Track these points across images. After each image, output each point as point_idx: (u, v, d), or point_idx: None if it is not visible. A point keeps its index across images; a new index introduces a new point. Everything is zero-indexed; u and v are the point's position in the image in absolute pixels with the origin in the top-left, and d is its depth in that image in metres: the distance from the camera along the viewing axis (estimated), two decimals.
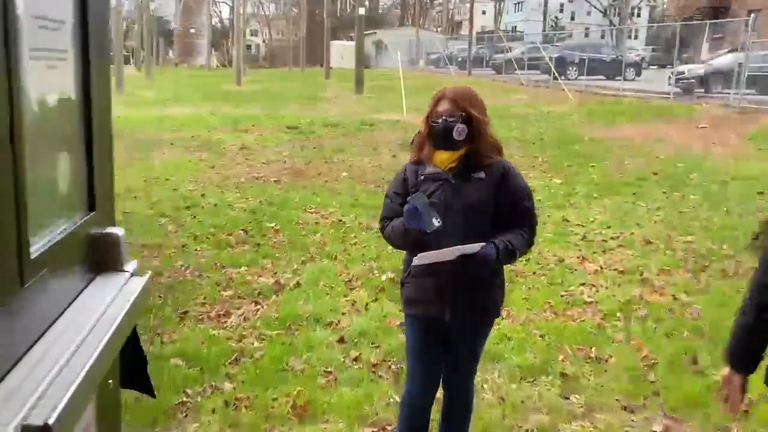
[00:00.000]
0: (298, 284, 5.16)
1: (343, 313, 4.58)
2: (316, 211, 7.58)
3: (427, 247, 2.33)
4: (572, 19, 70.07)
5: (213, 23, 67.79)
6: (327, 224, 7.02)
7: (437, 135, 2.42)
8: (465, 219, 2.39)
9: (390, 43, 53.57)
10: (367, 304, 4.73)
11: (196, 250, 6.08)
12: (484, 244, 2.33)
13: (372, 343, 4.10)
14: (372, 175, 9.76)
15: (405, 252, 2.60)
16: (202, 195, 8.24)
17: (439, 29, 70.61)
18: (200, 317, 4.54)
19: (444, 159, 2.45)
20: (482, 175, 2.42)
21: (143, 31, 39.81)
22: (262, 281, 5.24)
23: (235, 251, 6.04)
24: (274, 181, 9.27)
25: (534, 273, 5.49)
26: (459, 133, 2.38)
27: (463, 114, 2.40)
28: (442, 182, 2.42)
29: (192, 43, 59.20)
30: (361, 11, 25.83)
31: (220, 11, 79.99)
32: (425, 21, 79.35)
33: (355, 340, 4.14)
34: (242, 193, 8.44)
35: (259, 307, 4.75)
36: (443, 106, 2.43)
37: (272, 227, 6.81)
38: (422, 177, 2.45)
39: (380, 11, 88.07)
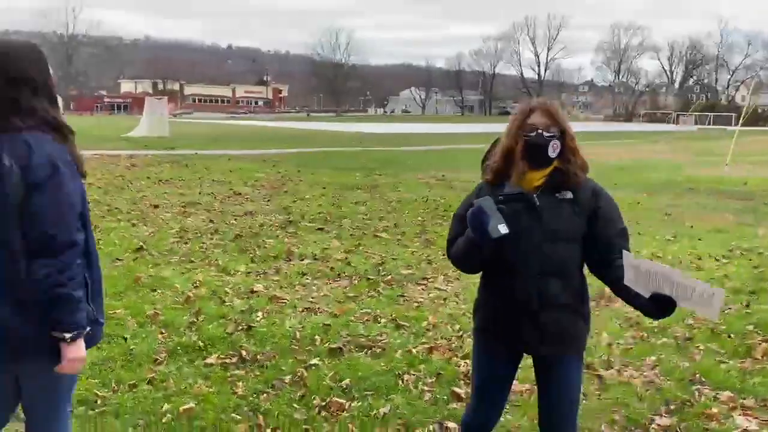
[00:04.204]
0: None
1: None
2: None
3: (496, 264, 2.20)
4: None
5: None
6: None
7: (530, 150, 2.14)
8: (552, 243, 2.15)
9: None
10: None
11: None
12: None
13: None
14: None
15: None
16: None
17: None
18: None
19: (528, 177, 2.18)
20: (569, 195, 2.18)
21: None
22: None
23: None
24: None
25: None
26: (554, 150, 2.14)
27: (558, 128, 2.17)
28: (525, 203, 2.15)
29: None
30: None
31: None
32: None
33: None
34: None
35: None
36: (537, 119, 2.17)
37: None
38: (501, 197, 2.13)
39: None
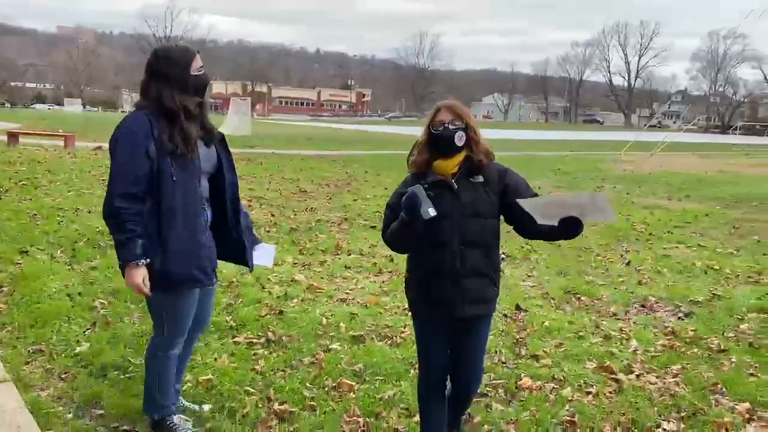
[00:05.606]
0: None
1: None
2: None
3: (427, 242, 2.55)
4: None
5: None
6: None
7: (438, 141, 2.57)
8: (471, 219, 2.56)
9: None
10: None
11: None
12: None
13: None
14: None
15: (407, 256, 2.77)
16: None
17: None
18: None
19: (444, 166, 2.59)
20: (481, 179, 2.59)
21: None
22: None
23: None
24: None
25: None
26: (460, 139, 2.56)
27: (462, 122, 2.58)
28: (446, 188, 2.55)
29: None
30: None
31: None
32: None
33: None
34: None
35: None
36: (443, 116, 2.59)
37: None
38: (426, 185, 2.50)
39: None
